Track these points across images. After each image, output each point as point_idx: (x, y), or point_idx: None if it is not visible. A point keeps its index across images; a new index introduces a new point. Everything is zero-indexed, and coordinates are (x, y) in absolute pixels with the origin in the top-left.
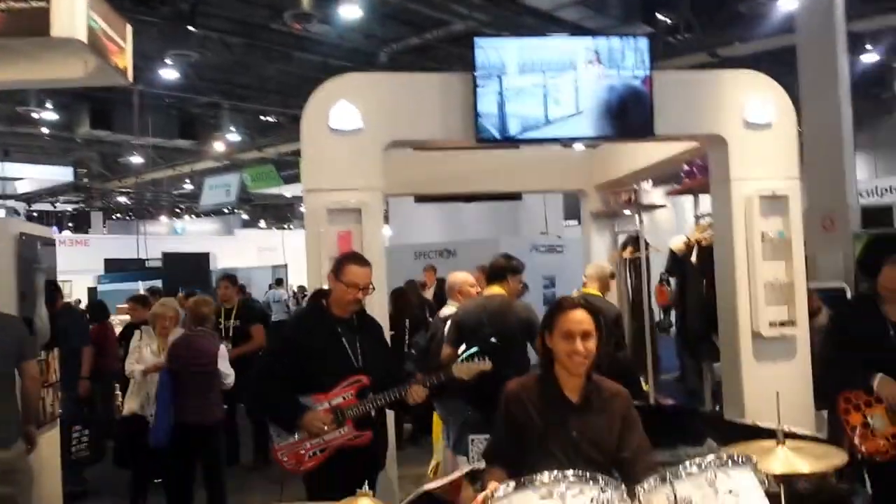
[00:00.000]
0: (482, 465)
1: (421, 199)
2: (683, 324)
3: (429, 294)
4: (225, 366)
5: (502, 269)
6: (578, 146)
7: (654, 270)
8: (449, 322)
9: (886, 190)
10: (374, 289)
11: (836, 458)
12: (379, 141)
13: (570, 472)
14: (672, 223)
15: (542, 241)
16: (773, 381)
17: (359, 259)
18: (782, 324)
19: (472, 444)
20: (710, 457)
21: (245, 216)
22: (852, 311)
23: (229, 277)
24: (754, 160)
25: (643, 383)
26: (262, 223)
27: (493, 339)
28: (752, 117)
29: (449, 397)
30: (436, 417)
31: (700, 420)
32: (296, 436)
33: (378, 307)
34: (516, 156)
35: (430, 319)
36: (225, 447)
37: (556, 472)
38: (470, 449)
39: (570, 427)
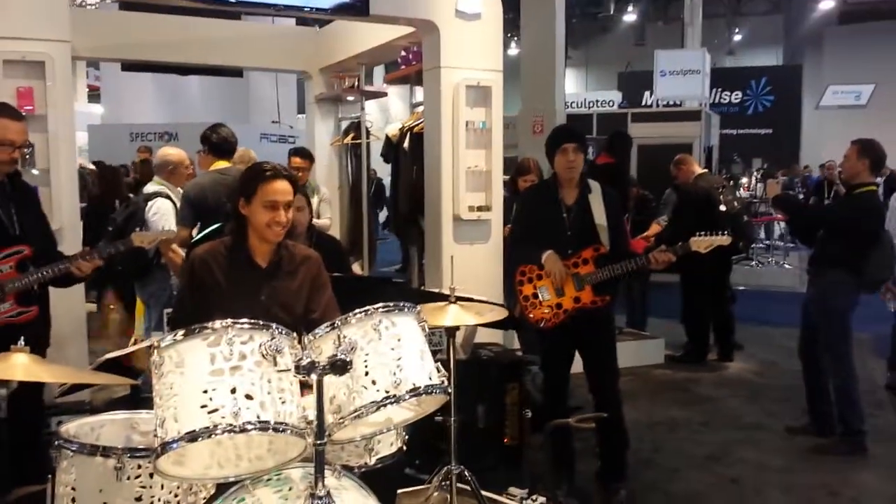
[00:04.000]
0: None
1: (129, 66)
2: (395, 207)
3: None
4: None
5: (232, 144)
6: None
7: (374, 157)
8: (180, 201)
9: (593, 103)
10: (32, 145)
11: (497, 314)
12: None
13: (243, 320)
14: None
15: (273, 129)
16: (469, 261)
17: (11, 112)
18: (479, 208)
19: (166, 317)
20: (378, 305)
21: None
22: (534, 196)
23: None
24: (463, 49)
25: (359, 268)
26: None
27: None
28: (462, 6)
29: (151, 281)
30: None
31: (393, 289)
32: None
33: (68, 181)
34: (238, 28)
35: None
36: None
37: (227, 320)
38: (165, 325)
39: (260, 291)
